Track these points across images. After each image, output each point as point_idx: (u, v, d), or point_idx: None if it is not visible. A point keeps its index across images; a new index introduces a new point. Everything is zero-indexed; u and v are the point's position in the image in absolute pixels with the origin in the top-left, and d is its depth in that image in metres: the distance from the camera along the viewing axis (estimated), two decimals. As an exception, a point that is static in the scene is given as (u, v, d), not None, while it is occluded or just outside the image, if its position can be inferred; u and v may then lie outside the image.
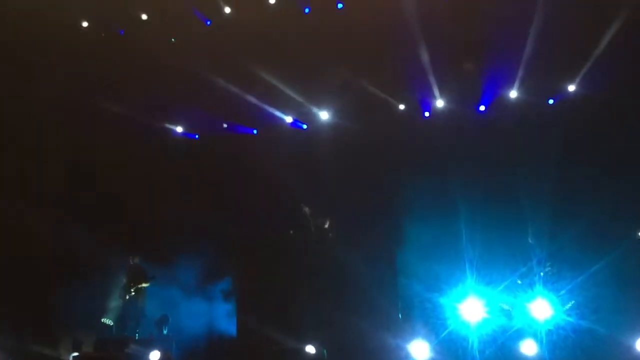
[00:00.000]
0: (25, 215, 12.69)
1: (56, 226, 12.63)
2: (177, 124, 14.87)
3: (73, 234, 12.69)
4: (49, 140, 13.80)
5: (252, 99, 14.11)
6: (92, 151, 13.97)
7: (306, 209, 12.92)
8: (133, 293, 12.42)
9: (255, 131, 14.81)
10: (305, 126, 14.65)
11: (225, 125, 14.83)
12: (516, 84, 13.45)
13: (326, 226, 12.94)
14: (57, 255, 12.93)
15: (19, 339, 11.51)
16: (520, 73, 13.20)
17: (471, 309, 11.16)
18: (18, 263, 12.89)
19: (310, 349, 10.42)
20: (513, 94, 13.60)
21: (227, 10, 13.85)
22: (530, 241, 11.67)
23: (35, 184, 13.34)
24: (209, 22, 14.02)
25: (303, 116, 14.58)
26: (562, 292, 11.01)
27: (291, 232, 13.17)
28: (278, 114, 14.42)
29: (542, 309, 10.89)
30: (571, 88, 13.40)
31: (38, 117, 13.67)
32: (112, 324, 12.39)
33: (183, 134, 14.98)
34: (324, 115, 14.41)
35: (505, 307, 11.23)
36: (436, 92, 13.70)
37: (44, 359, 10.77)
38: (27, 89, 13.38)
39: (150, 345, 11.00)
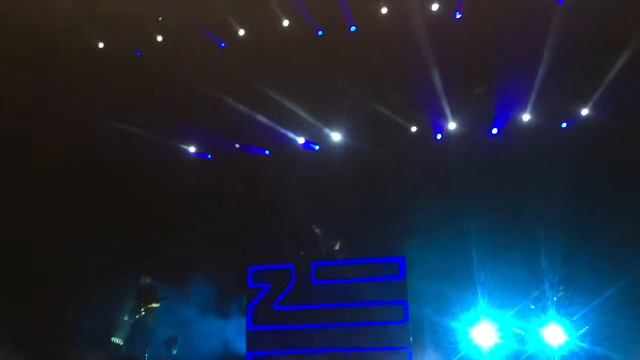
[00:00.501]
0: (39, 231, 12.79)
1: (69, 243, 12.72)
2: (190, 144, 15.00)
3: (86, 252, 12.78)
4: (63, 159, 13.94)
5: (265, 120, 14.21)
6: (106, 170, 14.09)
7: (317, 230, 12.91)
8: (143, 313, 12.42)
9: (267, 151, 14.90)
10: (317, 147, 14.71)
11: (237, 146, 14.93)
12: (529, 107, 13.42)
13: (336, 247, 12.91)
14: (68, 273, 13.01)
15: (27, 356, 11.57)
16: (533, 96, 13.17)
17: (483, 333, 11.06)
18: (29, 279, 12.99)
19: (319, 371, 10.33)
20: (526, 117, 13.57)
21: (242, 32, 14.00)
22: (544, 265, 11.56)
23: (48, 201, 13.45)
24: (223, 44, 14.18)
25: (315, 137, 14.65)
26: (576, 317, 10.88)
27: (302, 253, 13.14)
28: (290, 134, 14.50)
29: (555, 334, 10.77)
30: (584, 112, 13.35)
31: (52, 135, 13.83)
32: (121, 343, 12.39)
33: (196, 154, 15.09)
34: (335, 136, 14.46)
35: (518, 331, 11.12)
36: (448, 114, 13.70)
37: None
38: (41, 107, 13.55)
39: (159, 365, 10.99)
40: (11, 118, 13.51)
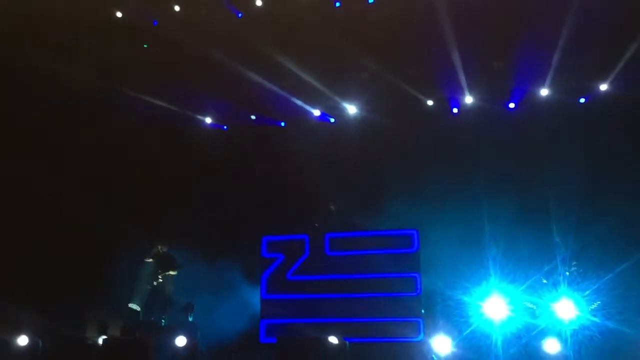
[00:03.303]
0: (60, 197, 12.95)
1: (88, 210, 12.89)
2: (206, 114, 15.05)
3: (104, 219, 12.95)
4: (80, 130, 14.06)
5: (281, 92, 14.21)
6: (123, 140, 14.21)
7: (332, 207, 13.03)
8: (161, 280, 12.63)
9: (283, 123, 14.93)
10: (333, 119, 14.72)
11: (253, 117, 14.97)
12: (547, 82, 13.30)
13: (350, 220, 13.03)
14: (88, 240, 13.21)
15: (47, 321, 11.84)
16: (551, 71, 13.05)
17: (495, 307, 11.16)
18: (49, 246, 13.22)
19: (333, 339, 10.51)
20: (544, 91, 13.46)
21: (259, 2, 13.91)
22: (557, 240, 11.59)
23: (69, 171, 13.60)
24: (240, 14, 14.11)
25: (331, 110, 14.64)
26: (588, 292, 10.94)
27: (316, 224, 13.27)
28: (306, 107, 14.50)
29: (567, 309, 10.85)
30: (603, 87, 13.22)
31: (68, 105, 13.94)
32: (139, 309, 12.62)
33: (212, 124, 15.15)
34: (351, 109, 14.44)
35: (530, 305, 11.20)
36: (465, 88, 13.62)
37: (73, 341, 10.99)
38: (57, 79, 13.62)
39: (176, 331, 11.21)
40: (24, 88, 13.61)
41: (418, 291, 11.87)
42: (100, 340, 11.04)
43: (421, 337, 11.54)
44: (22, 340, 10.57)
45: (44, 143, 13.93)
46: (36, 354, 10.46)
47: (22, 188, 13.23)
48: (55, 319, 12.05)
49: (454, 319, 11.46)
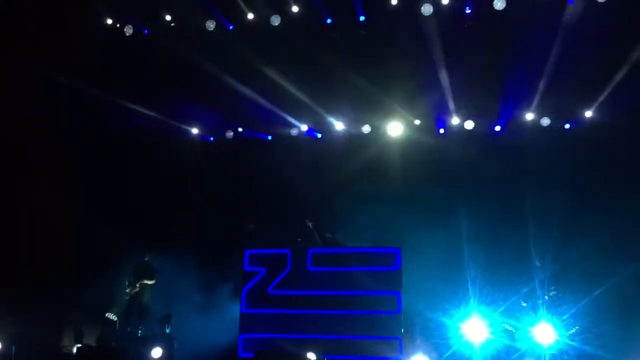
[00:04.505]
0: (41, 200, 12.81)
1: (68, 215, 12.76)
2: (193, 125, 15.02)
3: (88, 228, 12.81)
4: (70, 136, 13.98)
5: (269, 105, 14.23)
6: (112, 147, 14.15)
7: (310, 223, 13.01)
8: (137, 289, 12.51)
9: (270, 137, 14.93)
10: (319, 135, 14.75)
11: (240, 130, 14.96)
12: (533, 106, 13.45)
13: (330, 236, 12.99)
14: (68, 246, 13.07)
15: (22, 326, 11.66)
16: (538, 96, 13.21)
17: (474, 329, 11.14)
18: (26, 250, 13.06)
19: (311, 356, 10.43)
20: (529, 115, 13.59)
21: (250, 16, 13.98)
22: (537, 264, 11.64)
23: (56, 178, 13.46)
24: (231, 27, 14.17)
25: (318, 125, 14.67)
26: (566, 316, 10.97)
27: (298, 239, 13.22)
28: (294, 121, 14.53)
29: (546, 333, 10.85)
30: (588, 114, 13.39)
31: (59, 110, 13.86)
32: (115, 319, 12.48)
33: (199, 135, 15.11)
34: (338, 125, 14.48)
35: (509, 328, 11.20)
36: (452, 109, 13.72)
37: (48, 347, 10.84)
38: (46, 83, 13.58)
39: (152, 342, 11.08)
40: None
41: (398, 310, 11.81)
42: (74, 349, 10.88)
43: (400, 356, 11.47)
44: (-5, 346, 10.42)
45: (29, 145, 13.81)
46: (9, 360, 10.29)
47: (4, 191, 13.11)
48: (29, 325, 11.86)
49: (434, 340, 11.42)
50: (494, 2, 12.73)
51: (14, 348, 10.25)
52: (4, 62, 13.20)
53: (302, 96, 14.01)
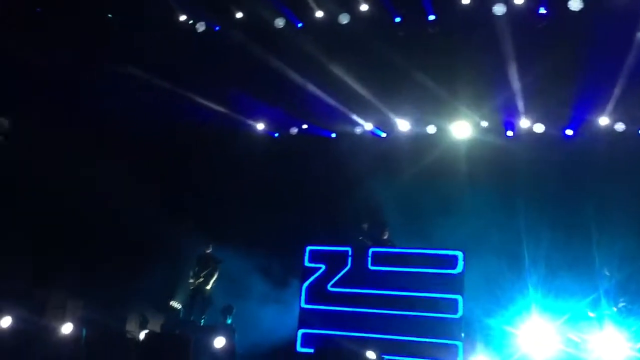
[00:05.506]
0: (118, 196, 13.23)
1: (140, 208, 13.13)
2: (259, 120, 15.22)
3: (155, 219, 13.16)
4: (136, 131, 14.38)
5: (334, 103, 14.27)
6: (179, 140, 14.49)
7: (365, 225, 13.00)
8: (202, 280, 12.77)
9: (333, 134, 14.97)
10: (384, 134, 14.69)
11: (305, 126, 15.06)
12: (608, 111, 13.00)
13: (385, 237, 12.95)
14: (136, 238, 13.45)
15: (91, 311, 12.09)
16: (612, 100, 12.77)
17: (536, 337, 10.89)
18: (100, 240, 13.53)
19: (370, 354, 10.42)
20: (603, 120, 13.15)
21: (319, 14, 14.04)
22: (606, 273, 11.27)
23: (127, 170, 13.86)
24: (300, 24, 14.27)
25: (383, 124, 14.62)
26: (634, 327, 10.60)
27: (360, 238, 13.24)
28: (359, 119, 14.52)
29: (613, 344, 10.51)
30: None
31: (128, 104, 14.28)
32: (179, 307, 12.79)
33: (264, 131, 15.31)
34: (403, 125, 14.38)
35: (575, 338, 10.89)
36: (522, 110, 13.42)
37: (115, 332, 11.18)
38: (114, 76, 14.01)
39: (214, 331, 11.30)
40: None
41: (459, 314, 11.65)
42: (141, 335, 11.21)
43: (458, 361, 11.33)
44: (67, 328, 10.81)
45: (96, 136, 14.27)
46: (79, 342, 10.65)
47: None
48: (97, 310, 12.29)
49: (494, 346, 11.22)
50: (569, 3, 12.37)
51: (84, 330, 10.60)
52: (88, 60, 13.71)
53: (367, 94, 13.98)
